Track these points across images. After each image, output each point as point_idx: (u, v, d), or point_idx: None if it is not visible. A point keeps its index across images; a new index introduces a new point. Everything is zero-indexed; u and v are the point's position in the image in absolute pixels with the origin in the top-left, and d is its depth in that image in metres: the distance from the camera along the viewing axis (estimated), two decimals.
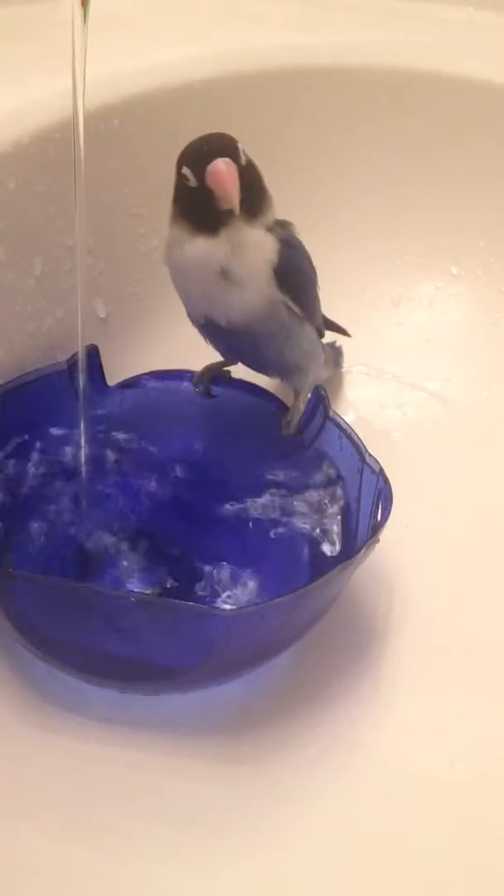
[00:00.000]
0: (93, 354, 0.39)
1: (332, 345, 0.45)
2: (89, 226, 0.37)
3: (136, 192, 0.44)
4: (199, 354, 0.42)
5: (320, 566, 0.36)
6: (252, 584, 0.37)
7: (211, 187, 0.33)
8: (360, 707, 0.35)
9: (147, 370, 0.41)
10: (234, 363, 0.41)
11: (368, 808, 0.33)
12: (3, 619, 0.33)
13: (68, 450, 0.40)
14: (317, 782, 0.33)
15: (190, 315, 0.38)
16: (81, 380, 0.38)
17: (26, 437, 0.39)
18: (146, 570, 0.38)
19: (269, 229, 0.36)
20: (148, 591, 0.37)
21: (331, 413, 0.39)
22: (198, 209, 0.34)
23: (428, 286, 0.50)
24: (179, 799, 0.33)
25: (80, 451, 0.39)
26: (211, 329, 0.38)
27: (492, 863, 0.31)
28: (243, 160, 0.34)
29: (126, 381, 0.41)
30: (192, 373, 0.41)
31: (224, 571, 0.38)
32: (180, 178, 0.34)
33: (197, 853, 0.31)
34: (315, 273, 0.39)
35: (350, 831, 0.32)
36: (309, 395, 0.40)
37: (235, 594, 0.37)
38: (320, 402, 0.39)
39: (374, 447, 0.37)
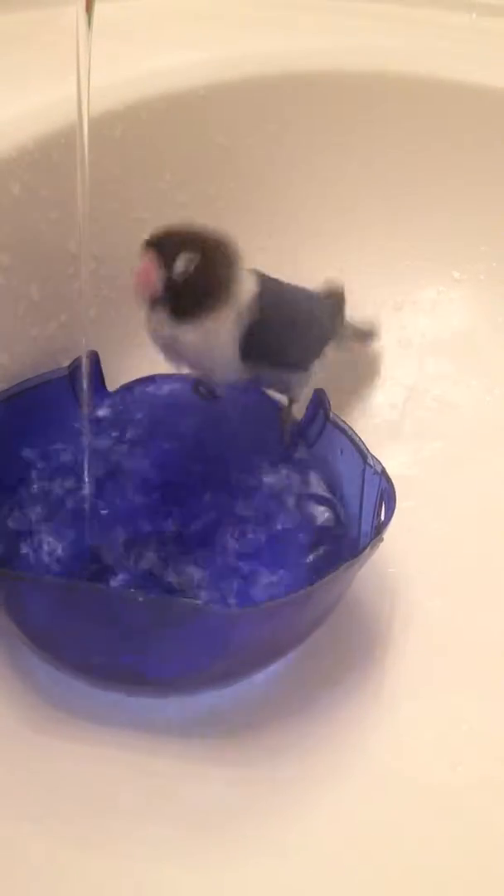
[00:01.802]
0: (93, 360, 0.39)
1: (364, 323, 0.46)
2: (92, 231, 0.37)
3: (139, 198, 0.44)
4: None
5: (323, 566, 0.36)
6: (256, 585, 0.37)
7: None
8: (362, 710, 0.35)
9: (149, 374, 0.41)
10: None
11: (370, 810, 0.33)
12: (9, 622, 0.33)
13: (70, 454, 0.40)
14: (319, 785, 0.33)
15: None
16: (84, 385, 0.38)
17: (28, 442, 0.40)
18: (149, 572, 0.38)
19: (217, 324, 0.36)
20: (152, 592, 0.37)
21: (331, 415, 0.39)
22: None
23: (430, 290, 0.50)
24: (182, 801, 0.33)
25: (81, 455, 0.39)
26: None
27: (494, 865, 0.31)
28: (177, 270, 0.34)
29: (127, 385, 0.41)
30: (192, 377, 0.41)
31: (227, 572, 0.38)
32: None
33: (200, 855, 0.31)
34: (295, 313, 0.40)
35: (352, 833, 0.32)
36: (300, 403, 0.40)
37: (239, 595, 0.37)
38: (321, 404, 0.39)
39: (375, 449, 0.37)
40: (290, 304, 0.39)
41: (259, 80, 0.47)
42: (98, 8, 0.30)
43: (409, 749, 0.34)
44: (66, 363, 0.40)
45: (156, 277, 0.34)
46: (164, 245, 0.34)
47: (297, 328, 0.39)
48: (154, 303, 0.35)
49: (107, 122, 0.41)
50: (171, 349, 0.37)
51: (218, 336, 0.36)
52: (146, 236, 0.35)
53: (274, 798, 0.33)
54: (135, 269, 0.34)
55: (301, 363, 0.40)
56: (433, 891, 0.30)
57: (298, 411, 0.40)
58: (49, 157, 0.39)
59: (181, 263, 0.34)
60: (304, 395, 0.40)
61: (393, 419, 0.46)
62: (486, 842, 0.32)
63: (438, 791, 0.33)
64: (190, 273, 0.34)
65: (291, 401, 0.40)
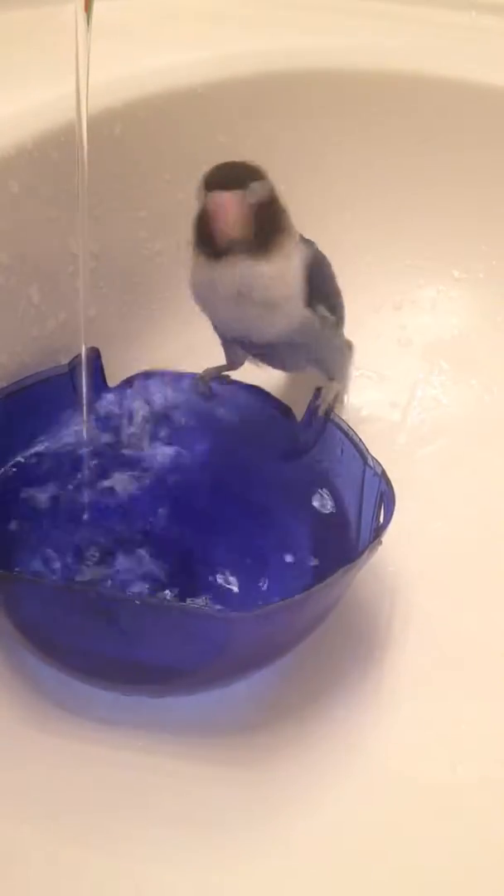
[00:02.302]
0: (94, 357, 0.39)
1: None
2: (92, 229, 0.37)
3: (138, 196, 0.44)
4: (200, 357, 0.42)
5: (322, 568, 0.36)
6: (254, 587, 0.37)
7: (210, 215, 0.34)
8: (362, 710, 0.35)
9: (148, 371, 0.41)
10: (235, 368, 0.41)
11: (370, 811, 0.33)
12: (6, 621, 0.33)
13: (70, 452, 0.40)
14: (318, 785, 0.33)
15: (217, 329, 0.39)
16: (84, 382, 0.38)
17: (28, 439, 0.39)
18: (148, 572, 0.38)
19: (288, 258, 0.36)
20: (151, 594, 0.37)
21: (332, 416, 0.39)
22: (206, 234, 0.35)
23: (430, 290, 0.50)
24: (182, 801, 0.33)
25: (81, 453, 0.39)
26: (241, 344, 0.38)
27: (494, 866, 0.31)
28: (254, 198, 0.34)
29: (127, 381, 0.41)
30: (193, 374, 0.41)
31: (226, 574, 0.38)
32: (198, 205, 0.35)
33: (199, 856, 0.31)
34: (338, 293, 0.40)
35: (352, 834, 0.32)
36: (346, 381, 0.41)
37: (237, 596, 0.37)
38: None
39: (375, 450, 0.37)
40: (329, 266, 0.39)
41: (259, 78, 0.47)
42: (97, 6, 0.30)
43: (408, 749, 0.34)
44: (66, 362, 0.40)
45: (238, 211, 0.33)
46: (231, 178, 0.33)
47: (334, 281, 0.39)
48: (234, 242, 0.34)
49: (106, 121, 0.41)
50: (230, 299, 0.35)
51: (289, 271, 0.35)
52: (202, 177, 0.34)
53: (273, 798, 0.33)
54: (211, 209, 0.33)
55: (340, 314, 0.40)
56: (433, 891, 0.30)
57: (330, 395, 0.40)
58: (48, 155, 0.39)
59: (255, 193, 0.33)
60: (346, 376, 0.41)
61: (392, 419, 0.46)
62: (486, 842, 0.32)
63: (438, 791, 0.33)
64: (264, 202, 0.34)
65: (331, 379, 0.40)
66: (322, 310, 0.37)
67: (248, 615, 0.31)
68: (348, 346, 0.45)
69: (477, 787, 0.33)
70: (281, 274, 0.35)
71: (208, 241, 0.35)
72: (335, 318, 0.39)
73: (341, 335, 0.41)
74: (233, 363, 0.41)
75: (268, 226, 0.35)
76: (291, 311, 0.36)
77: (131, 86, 0.43)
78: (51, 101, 0.38)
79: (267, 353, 0.39)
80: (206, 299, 0.37)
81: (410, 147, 0.49)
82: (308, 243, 0.38)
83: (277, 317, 0.36)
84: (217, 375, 0.41)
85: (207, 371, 0.41)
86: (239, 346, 0.39)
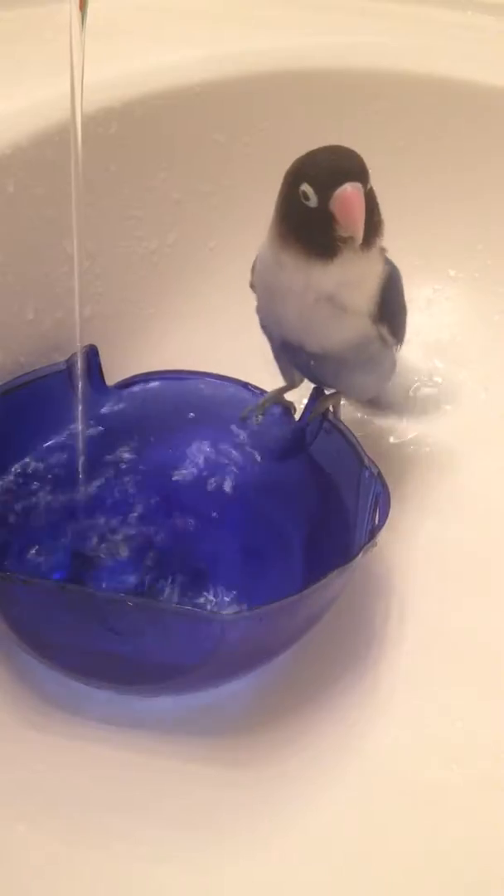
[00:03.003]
0: (92, 355, 0.39)
1: None
2: (88, 229, 0.37)
3: (134, 195, 0.44)
4: (197, 355, 0.42)
5: (317, 569, 0.36)
6: (249, 587, 0.37)
7: (336, 214, 0.31)
8: (358, 709, 0.35)
9: (146, 371, 0.41)
10: (293, 388, 0.40)
11: (367, 809, 0.33)
12: (0, 621, 0.33)
13: (67, 450, 0.40)
14: (315, 784, 0.33)
15: (266, 328, 0.37)
16: (80, 380, 0.38)
17: (25, 437, 0.39)
18: (143, 572, 0.38)
19: (379, 255, 0.34)
20: (144, 594, 0.37)
21: (330, 416, 0.39)
22: (313, 232, 0.32)
23: (426, 289, 0.50)
24: (178, 800, 0.33)
25: (78, 451, 0.39)
26: (289, 350, 0.36)
27: (491, 864, 0.31)
28: (369, 185, 0.31)
29: (125, 381, 0.41)
30: (191, 374, 0.41)
31: (221, 573, 0.38)
32: (293, 194, 0.32)
33: (196, 854, 0.31)
34: (405, 310, 0.38)
35: (349, 833, 0.32)
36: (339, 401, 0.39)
37: (232, 596, 0.37)
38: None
39: (371, 450, 0.37)
40: (400, 279, 0.36)
41: (255, 77, 0.46)
42: (92, 5, 0.30)
43: (405, 748, 0.34)
44: (62, 360, 0.40)
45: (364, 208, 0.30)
46: (354, 168, 0.30)
47: (405, 310, 0.37)
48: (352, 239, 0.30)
49: (101, 120, 0.41)
50: (303, 303, 0.33)
51: (371, 278, 0.33)
52: (302, 167, 0.31)
53: (270, 797, 0.33)
54: (344, 208, 0.30)
55: (400, 336, 0.38)
56: (430, 888, 0.31)
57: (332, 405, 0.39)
58: (43, 154, 0.39)
59: (369, 180, 0.31)
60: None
61: (388, 419, 0.46)
62: (483, 839, 0.32)
63: (435, 789, 0.33)
64: (370, 192, 0.31)
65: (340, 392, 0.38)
66: (384, 330, 0.35)
67: (242, 616, 0.31)
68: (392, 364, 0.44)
69: (473, 784, 0.33)
70: (373, 274, 0.33)
71: (316, 238, 0.32)
72: (394, 340, 0.37)
73: (392, 364, 0.39)
74: (291, 382, 0.39)
75: (373, 213, 0.32)
76: (358, 322, 0.34)
77: (127, 85, 0.43)
78: (46, 101, 0.38)
79: (310, 367, 0.36)
80: (276, 297, 0.34)
81: (407, 146, 0.49)
82: (387, 259, 0.35)
83: (345, 325, 0.34)
84: (279, 398, 0.40)
85: (270, 395, 0.40)
86: (288, 352, 0.37)
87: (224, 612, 0.34)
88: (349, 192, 0.30)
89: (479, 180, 0.49)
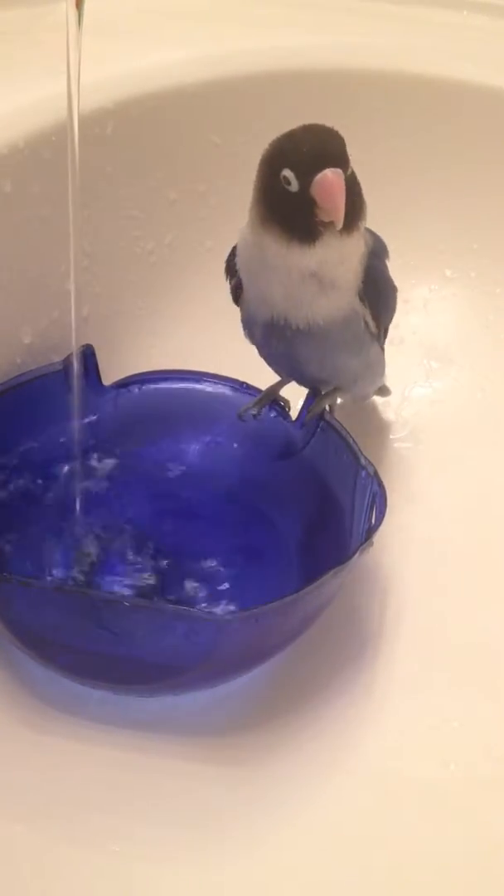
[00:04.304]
0: (89, 354, 0.39)
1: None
2: (85, 228, 0.37)
3: (131, 195, 0.44)
4: (194, 355, 0.42)
5: (313, 569, 0.36)
6: (245, 587, 0.37)
7: (317, 199, 0.31)
8: (355, 709, 0.35)
9: (143, 371, 0.41)
10: (288, 381, 0.40)
11: (364, 808, 0.33)
12: None
13: (63, 450, 0.40)
14: (313, 783, 0.33)
15: (251, 315, 0.36)
16: (76, 380, 0.38)
17: (22, 437, 0.39)
18: (140, 571, 0.38)
19: (361, 238, 0.34)
20: (142, 593, 0.37)
21: (326, 415, 0.39)
22: (294, 216, 0.32)
23: (422, 289, 0.50)
24: (175, 800, 0.33)
25: (74, 451, 0.39)
26: (274, 332, 0.36)
27: (488, 863, 0.31)
28: (350, 169, 0.31)
29: (121, 380, 0.41)
30: (188, 374, 0.41)
31: (217, 573, 0.38)
32: (274, 179, 0.32)
33: (195, 854, 0.31)
34: (394, 288, 0.38)
35: (346, 831, 0.32)
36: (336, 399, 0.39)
37: (228, 596, 0.37)
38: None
39: (368, 450, 0.37)
40: (378, 242, 0.36)
41: (251, 77, 0.46)
42: (88, 5, 0.30)
43: (400, 747, 0.34)
44: (59, 360, 0.40)
45: (344, 192, 0.30)
46: (334, 152, 0.30)
47: (391, 300, 0.37)
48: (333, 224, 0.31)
49: (98, 120, 0.41)
50: (288, 281, 0.33)
51: (357, 254, 0.33)
52: (286, 149, 0.31)
53: (266, 797, 0.33)
54: (324, 193, 0.30)
55: (386, 330, 0.38)
56: (426, 888, 0.31)
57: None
58: (40, 154, 0.39)
59: (349, 165, 0.31)
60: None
61: (385, 418, 0.46)
62: (479, 839, 0.32)
63: (431, 788, 0.33)
64: (351, 176, 0.31)
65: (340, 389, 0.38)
66: (367, 314, 0.35)
67: (238, 617, 0.31)
68: (383, 391, 0.44)
69: (469, 783, 0.33)
70: (355, 254, 0.33)
71: (297, 222, 0.32)
72: (376, 326, 0.36)
73: (377, 357, 0.39)
74: (276, 366, 0.39)
75: (354, 197, 0.32)
76: (343, 297, 0.34)
77: (124, 85, 0.43)
78: (43, 100, 0.38)
79: (294, 353, 0.36)
80: (260, 277, 0.34)
81: (403, 146, 0.49)
82: (373, 234, 0.35)
83: (331, 299, 0.34)
84: (275, 394, 0.40)
85: (266, 392, 0.39)
86: (267, 337, 0.36)
87: (220, 613, 0.34)
88: (330, 177, 0.30)
89: (475, 181, 0.49)
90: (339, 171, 0.30)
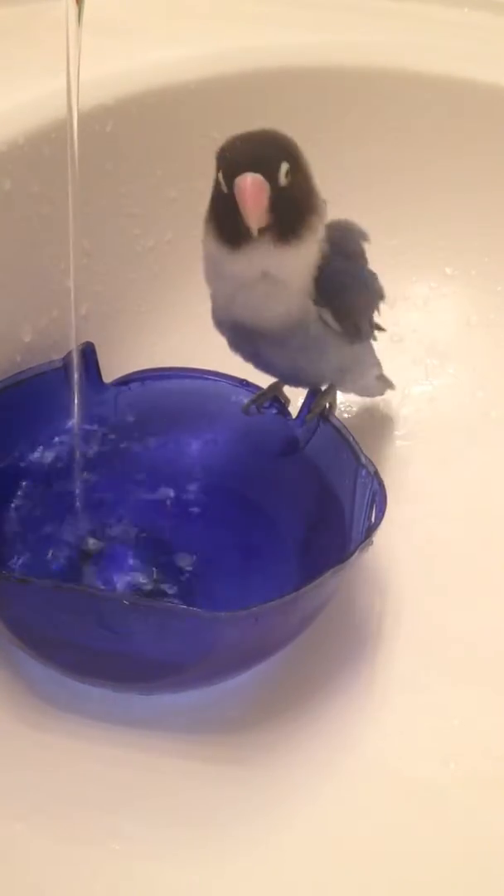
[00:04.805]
0: (89, 352, 0.39)
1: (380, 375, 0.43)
2: (85, 227, 0.37)
3: (131, 193, 0.44)
4: (195, 353, 0.42)
5: (313, 567, 0.36)
6: (245, 585, 0.37)
7: (237, 202, 0.31)
8: (354, 707, 0.35)
9: (144, 368, 0.41)
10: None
11: (364, 807, 0.33)
12: None
13: (63, 448, 0.40)
14: (312, 781, 0.33)
15: (216, 315, 0.36)
16: (76, 377, 0.38)
17: (22, 435, 0.39)
18: (140, 569, 0.38)
19: (312, 243, 0.33)
20: (142, 590, 0.37)
21: (326, 413, 0.38)
22: (225, 217, 0.32)
23: (422, 286, 0.50)
24: (176, 798, 0.33)
25: (74, 449, 0.39)
26: (239, 332, 0.36)
27: (487, 862, 0.31)
28: (282, 180, 0.31)
29: (122, 378, 0.41)
30: (187, 371, 0.41)
31: (217, 571, 0.38)
32: (215, 180, 0.32)
33: (195, 852, 0.31)
34: (374, 287, 0.38)
35: (345, 831, 0.32)
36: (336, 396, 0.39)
37: (228, 594, 0.37)
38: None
39: (368, 448, 0.37)
40: (351, 240, 0.35)
41: (251, 75, 0.46)
42: (88, 2, 0.30)
43: (401, 746, 0.34)
44: (59, 358, 0.40)
45: (266, 199, 0.30)
46: (259, 158, 0.30)
47: (366, 298, 0.37)
48: (262, 230, 0.31)
49: (98, 117, 0.41)
50: (245, 283, 0.33)
51: (309, 258, 0.32)
52: (222, 152, 0.31)
53: (266, 795, 0.33)
54: (239, 197, 0.30)
55: (359, 327, 0.37)
56: (426, 886, 0.31)
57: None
58: (39, 151, 0.39)
59: (283, 175, 0.30)
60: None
61: (385, 416, 0.46)
62: (479, 837, 0.32)
63: (431, 786, 0.33)
64: (291, 184, 0.31)
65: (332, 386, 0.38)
66: (326, 314, 0.35)
67: (237, 616, 0.31)
68: (383, 381, 0.43)
69: (469, 782, 0.33)
70: (304, 258, 0.33)
71: (226, 225, 0.32)
72: (340, 328, 0.36)
73: (348, 356, 0.38)
74: (256, 366, 0.38)
75: (296, 207, 0.32)
76: (293, 300, 0.34)
77: (124, 82, 0.42)
78: (42, 98, 0.38)
79: (262, 353, 0.36)
80: (210, 278, 0.35)
81: (404, 144, 0.49)
82: (343, 225, 0.35)
83: (279, 302, 0.33)
84: (277, 391, 0.39)
85: (267, 389, 0.39)
86: (235, 338, 0.37)
87: (220, 612, 0.34)
88: (247, 182, 0.30)
89: (475, 178, 0.49)
90: (259, 177, 0.30)
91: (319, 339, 0.36)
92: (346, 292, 0.36)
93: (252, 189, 0.30)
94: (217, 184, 0.32)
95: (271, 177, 0.31)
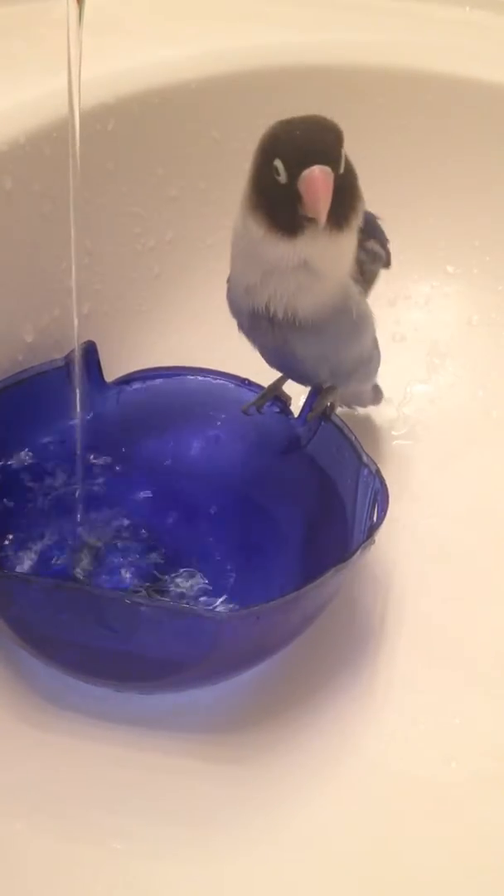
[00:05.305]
0: (90, 351, 0.39)
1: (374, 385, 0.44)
2: (86, 225, 0.37)
3: (132, 192, 0.44)
4: (196, 352, 0.42)
5: (313, 568, 0.36)
6: (246, 583, 0.37)
7: (302, 195, 0.30)
8: (356, 706, 0.35)
9: (145, 367, 0.41)
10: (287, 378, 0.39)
11: (364, 806, 0.33)
12: None
13: (65, 447, 0.40)
14: (313, 781, 0.33)
15: (237, 304, 0.36)
16: (77, 376, 0.38)
17: (23, 434, 0.39)
18: (142, 567, 0.38)
19: (356, 230, 0.33)
20: (144, 589, 0.37)
21: (328, 412, 0.38)
22: (280, 207, 0.31)
23: (424, 285, 0.49)
24: (177, 797, 0.33)
25: (76, 448, 0.39)
26: (259, 323, 0.35)
27: (489, 861, 0.31)
28: (342, 168, 0.31)
29: (123, 377, 0.41)
30: (189, 370, 0.41)
31: (219, 569, 0.38)
32: (266, 167, 0.31)
33: (194, 851, 0.31)
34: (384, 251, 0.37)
35: (346, 829, 0.32)
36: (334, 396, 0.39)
37: (229, 592, 0.37)
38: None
39: (370, 447, 0.37)
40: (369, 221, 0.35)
41: (252, 74, 0.46)
42: (90, 1, 0.30)
43: (402, 744, 0.34)
44: (61, 357, 0.40)
45: (331, 189, 0.29)
46: (326, 149, 0.30)
47: (376, 248, 0.36)
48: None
49: (99, 116, 0.41)
50: (286, 271, 0.32)
51: (340, 253, 0.32)
52: (277, 140, 0.31)
53: (267, 793, 0.33)
54: (309, 190, 0.30)
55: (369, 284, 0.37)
56: (427, 885, 0.31)
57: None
58: (41, 150, 0.39)
59: (343, 164, 0.30)
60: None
61: (386, 415, 0.46)
62: (481, 836, 0.32)
63: (432, 787, 0.33)
64: (346, 172, 0.31)
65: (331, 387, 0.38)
66: (362, 285, 0.35)
67: (238, 615, 0.31)
68: (376, 391, 0.43)
69: (471, 781, 0.33)
70: (345, 250, 0.33)
71: (281, 214, 0.31)
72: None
73: (373, 344, 0.38)
74: (268, 360, 0.38)
75: (346, 195, 0.32)
76: (334, 286, 0.33)
77: (125, 81, 0.42)
78: (44, 97, 0.38)
79: (286, 345, 0.35)
80: (243, 263, 0.34)
81: (405, 142, 0.48)
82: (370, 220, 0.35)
83: (316, 290, 0.33)
84: (278, 390, 0.39)
85: (269, 388, 0.39)
86: (254, 328, 0.36)
87: (221, 611, 0.34)
88: (317, 175, 0.30)
89: (477, 176, 0.49)
90: (328, 169, 0.30)
91: (360, 319, 0.36)
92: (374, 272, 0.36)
93: (323, 184, 0.30)
94: (267, 172, 0.31)
95: (334, 167, 0.30)
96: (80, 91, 0.31)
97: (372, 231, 0.35)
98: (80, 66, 0.30)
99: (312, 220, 0.31)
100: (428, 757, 0.34)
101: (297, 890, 0.31)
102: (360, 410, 0.45)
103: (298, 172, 0.30)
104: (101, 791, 0.33)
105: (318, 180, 0.30)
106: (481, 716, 0.35)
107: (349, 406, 0.44)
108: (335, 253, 0.33)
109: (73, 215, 0.34)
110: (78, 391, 0.38)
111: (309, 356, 0.36)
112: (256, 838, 0.32)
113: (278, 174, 0.31)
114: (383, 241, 0.37)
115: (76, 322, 0.36)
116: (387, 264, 0.37)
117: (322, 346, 0.36)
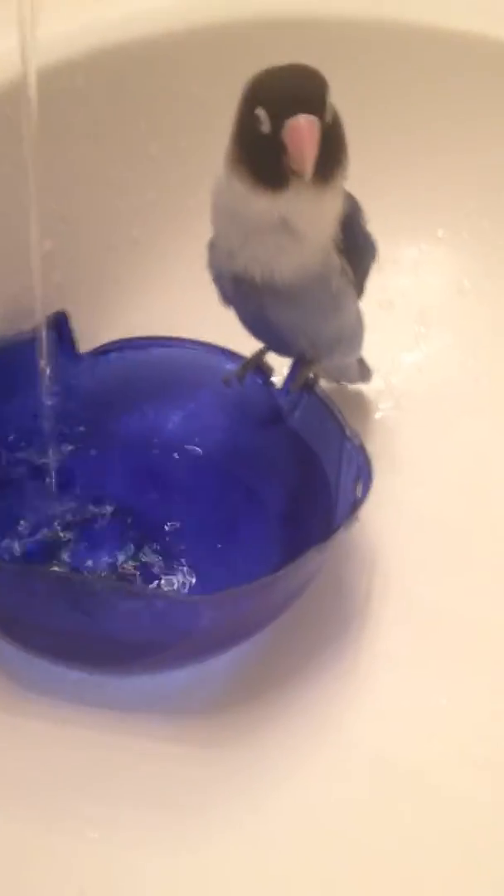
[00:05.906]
0: (62, 321, 0.38)
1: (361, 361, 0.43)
2: (58, 189, 0.35)
3: (107, 152, 0.43)
4: (174, 322, 0.41)
5: (296, 544, 0.35)
6: (228, 560, 0.37)
7: (287, 145, 0.29)
8: (339, 685, 0.35)
9: (122, 338, 0.40)
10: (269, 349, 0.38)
11: (350, 787, 0.32)
12: None
13: (38, 422, 0.38)
14: (295, 761, 0.33)
15: (219, 268, 0.35)
16: (44, 348, 0.36)
17: None
18: (118, 545, 0.37)
19: (341, 188, 0.32)
20: (120, 569, 0.36)
21: (311, 382, 0.37)
22: (264, 159, 0.30)
23: (412, 249, 0.48)
24: (157, 781, 0.32)
25: (48, 423, 0.38)
26: (243, 288, 0.34)
27: (471, 841, 0.31)
28: (328, 117, 0.29)
29: (98, 348, 0.40)
30: (169, 340, 0.40)
31: (200, 545, 0.37)
32: (249, 117, 0.30)
33: (174, 835, 0.31)
34: (373, 245, 0.37)
35: (329, 810, 0.32)
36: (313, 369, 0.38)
37: (210, 569, 0.37)
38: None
39: (356, 419, 0.36)
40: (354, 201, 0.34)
41: (238, 25, 0.44)
42: None
43: (385, 726, 0.34)
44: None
45: (318, 141, 0.28)
46: (310, 96, 0.29)
47: (368, 254, 0.36)
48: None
49: (67, 73, 0.40)
50: (257, 229, 0.31)
51: (336, 208, 0.32)
52: (260, 87, 0.29)
53: (249, 775, 0.33)
54: (293, 140, 0.28)
55: (362, 284, 0.36)
56: (410, 867, 0.30)
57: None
58: (1, 110, 0.37)
59: (329, 111, 0.29)
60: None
61: (373, 386, 0.45)
62: (464, 817, 0.32)
63: (415, 768, 0.33)
64: (332, 123, 0.29)
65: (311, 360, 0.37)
66: (345, 263, 0.34)
67: (216, 597, 0.30)
68: (363, 367, 0.42)
69: (457, 762, 0.33)
70: (331, 206, 0.32)
71: (264, 167, 0.30)
72: (353, 279, 0.35)
73: (357, 318, 0.37)
74: (251, 328, 0.37)
75: (333, 147, 0.30)
76: (317, 249, 0.32)
77: (94, 35, 0.41)
78: (2, 54, 0.36)
79: (266, 312, 0.34)
80: (230, 223, 0.33)
81: (396, 99, 0.47)
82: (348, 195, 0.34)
83: (302, 251, 0.32)
84: (260, 361, 0.38)
85: (251, 359, 0.38)
86: (236, 295, 0.35)
87: (197, 595, 0.33)
88: (302, 123, 0.29)
89: (469, 136, 0.47)
90: (313, 118, 0.29)
91: (339, 294, 0.35)
92: (361, 248, 0.35)
93: (309, 133, 0.28)
94: (250, 122, 0.30)
95: (320, 117, 0.29)
96: (34, 45, 0.29)
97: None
98: (31, 16, 0.28)
99: (298, 174, 0.30)
100: (412, 737, 0.34)
101: (279, 872, 0.30)
102: (350, 387, 0.44)
103: (282, 122, 0.29)
104: (77, 777, 0.32)
105: (303, 129, 0.29)
106: (467, 696, 0.35)
107: (337, 382, 0.43)
108: (317, 211, 0.32)
109: (31, 178, 0.32)
110: (43, 363, 0.36)
111: (285, 323, 0.35)
112: (238, 820, 0.32)
113: (261, 124, 0.30)
114: (366, 236, 0.35)
115: (41, 291, 0.35)
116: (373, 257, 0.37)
117: (299, 315, 0.35)
